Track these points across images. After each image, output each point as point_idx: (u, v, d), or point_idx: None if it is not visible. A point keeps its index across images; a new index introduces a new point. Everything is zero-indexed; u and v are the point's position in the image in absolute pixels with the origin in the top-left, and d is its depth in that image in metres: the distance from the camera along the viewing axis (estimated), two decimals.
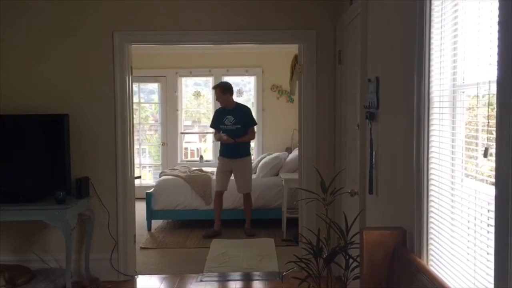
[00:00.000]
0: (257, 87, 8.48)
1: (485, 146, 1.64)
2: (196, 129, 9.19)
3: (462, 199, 1.88)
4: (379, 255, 2.30)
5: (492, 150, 1.54)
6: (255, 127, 6.06)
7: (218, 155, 6.20)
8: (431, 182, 2.16)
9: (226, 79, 8.64)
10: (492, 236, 1.53)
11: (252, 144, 8.74)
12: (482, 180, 1.73)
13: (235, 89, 8.77)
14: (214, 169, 7.18)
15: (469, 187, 1.84)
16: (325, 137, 4.39)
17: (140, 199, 5.82)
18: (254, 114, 8.54)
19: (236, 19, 4.34)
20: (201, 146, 9.12)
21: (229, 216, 6.21)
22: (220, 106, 6.07)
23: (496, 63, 1.48)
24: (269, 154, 7.09)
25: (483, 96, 1.72)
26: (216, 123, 6.03)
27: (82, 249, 4.33)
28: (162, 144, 8.66)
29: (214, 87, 6.12)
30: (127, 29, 4.30)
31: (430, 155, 2.16)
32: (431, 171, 2.15)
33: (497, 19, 1.49)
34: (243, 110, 6.02)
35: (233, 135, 5.84)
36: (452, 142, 2.01)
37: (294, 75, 5.99)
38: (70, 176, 4.10)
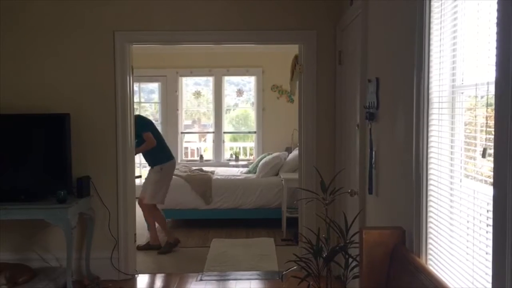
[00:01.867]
0: (257, 87, 8.50)
1: (484, 146, 1.65)
2: (196, 129, 9.20)
3: (461, 199, 1.90)
4: (379, 254, 2.31)
5: (491, 151, 1.55)
6: (149, 132, 5.33)
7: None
8: (430, 182, 2.17)
9: (227, 79, 8.69)
10: (490, 236, 1.54)
11: (252, 144, 8.80)
12: (481, 181, 1.74)
13: (235, 89, 8.87)
14: (214, 169, 7.22)
15: (468, 187, 1.85)
16: (325, 137, 4.40)
17: None
18: (254, 113, 8.63)
19: (236, 19, 4.35)
20: (201, 145, 9.13)
21: (229, 216, 6.22)
22: None
23: (494, 64, 1.49)
24: (269, 154, 7.10)
25: (482, 97, 1.74)
26: None
27: (83, 248, 4.34)
28: None
29: None
30: (128, 29, 4.31)
31: (429, 155, 2.17)
32: (430, 171, 2.17)
33: (495, 20, 1.50)
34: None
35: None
36: (451, 142, 2.02)
37: (295, 75, 5.99)
38: (71, 175, 4.11)
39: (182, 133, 8.79)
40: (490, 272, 1.54)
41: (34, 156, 4.16)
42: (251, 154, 8.83)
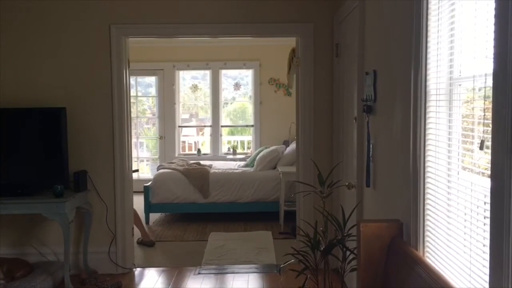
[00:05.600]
0: (255, 80, 8.48)
1: (481, 138, 1.65)
2: (193, 123, 9.19)
3: (459, 191, 1.89)
4: (376, 247, 2.31)
5: (488, 143, 1.55)
6: None
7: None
8: (427, 174, 2.17)
9: (224, 72, 8.67)
10: (488, 228, 1.54)
11: (249, 137, 8.80)
12: (478, 173, 1.74)
13: (233, 82, 8.85)
14: (212, 163, 7.22)
15: (466, 179, 1.84)
16: (322, 130, 4.40)
17: (138, 192, 5.83)
18: (251, 107, 8.62)
19: (233, 12, 4.33)
20: (198, 139, 9.12)
21: (227, 209, 6.23)
22: None
23: (492, 56, 1.48)
24: (266, 148, 7.09)
25: (479, 89, 1.73)
26: None
27: (81, 242, 4.34)
28: (160, 138, 8.65)
29: None
30: (124, 22, 4.29)
31: (426, 148, 2.17)
32: (427, 164, 2.16)
33: (493, 12, 1.49)
34: None
35: None
36: (449, 135, 2.01)
37: (292, 68, 5.98)
38: (67, 169, 4.10)
39: (179, 127, 8.78)
40: (487, 264, 1.54)
41: (30, 150, 4.15)
42: (248, 148, 8.82)
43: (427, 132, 2.16)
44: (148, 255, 4.99)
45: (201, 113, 9.13)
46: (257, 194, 6.21)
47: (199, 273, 4.44)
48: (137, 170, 7.12)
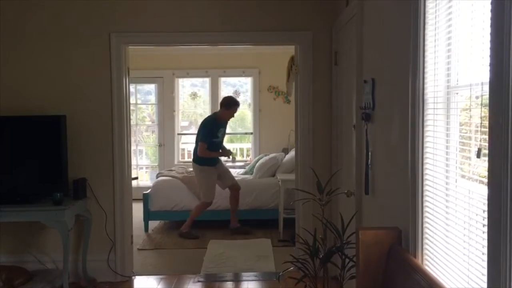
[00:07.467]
0: (254, 88, 8.50)
1: (478, 146, 1.66)
2: (193, 130, 9.17)
3: (457, 199, 1.90)
4: (375, 254, 2.32)
5: (486, 151, 1.56)
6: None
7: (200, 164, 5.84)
8: (425, 182, 2.18)
9: (223, 80, 8.70)
10: (486, 236, 1.54)
11: (248, 145, 8.82)
12: (476, 181, 1.75)
13: (232, 90, 8.88)
14: None
15: (464, 187, 1.85)
16: (321, 138, 4.41)
17: (137, 200, 5.83)
18: (251, 114, 8.64)
19: (232, 20, 4.36)
20: None
21: (226, 217, 6.21)
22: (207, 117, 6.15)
23: (488, 65, 1.50)
24: (266, 155, 7.10)
25: (477, 97, 1.74)
26: (212, 136, 5.90)
27: (80, 250, 4.33)
28: (159, 145, 8.66)
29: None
30: (124, 30, 4.31)
31: (424, 156, 2.18)
32: (425, 171, 2.17)
33: (489, 21, 1.50)
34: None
35: (220, 146, 6.12)
36: (447, 142, 2.03)
37: (291, 76, 6.00)
38: (67, 177, 4.11)
39: (179, 134, 8.78)
40: (485, 272, 1.54)
41: (30, 158, 4.15)
42: (248, 155, 8.82)
43: (425, 140, 2.18)
44: (147, 263, 4.98)
45: (201, 121, 9.13)
46: (256, 201, 6.20)
47: (198, 281, 4.43)
48: (136, 178, 7.12)
